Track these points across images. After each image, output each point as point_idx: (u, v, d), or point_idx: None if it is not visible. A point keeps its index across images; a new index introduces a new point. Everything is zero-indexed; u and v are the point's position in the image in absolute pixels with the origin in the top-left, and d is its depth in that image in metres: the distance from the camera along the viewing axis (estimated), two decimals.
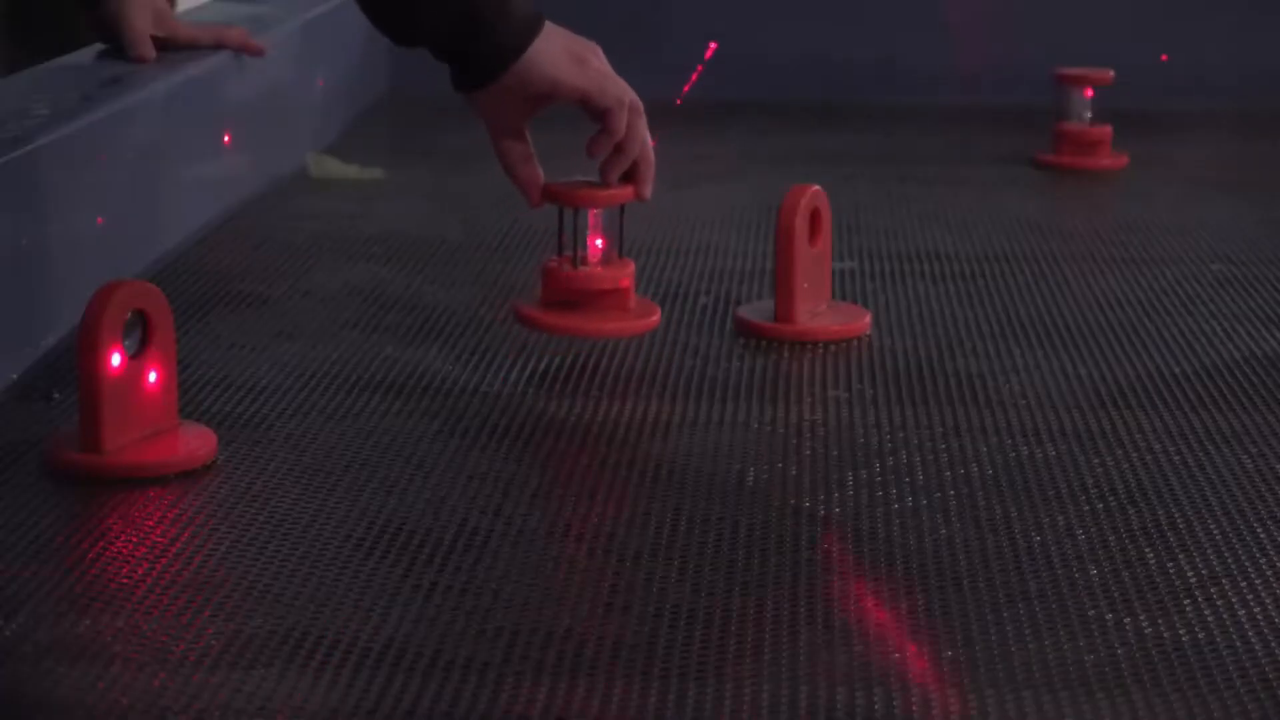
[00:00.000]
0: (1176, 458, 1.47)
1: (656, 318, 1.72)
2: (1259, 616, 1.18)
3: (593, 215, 1.68)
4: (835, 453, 1.48)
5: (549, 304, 1.69)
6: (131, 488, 1.39)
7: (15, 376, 1.63)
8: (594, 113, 1.63)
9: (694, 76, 3.11)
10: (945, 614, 1.19)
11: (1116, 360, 1.72)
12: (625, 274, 1.69)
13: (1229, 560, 1.27)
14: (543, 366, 1.69)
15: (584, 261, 1.68)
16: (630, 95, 1.63)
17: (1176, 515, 1.35)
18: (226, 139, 2.29)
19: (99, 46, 2.21)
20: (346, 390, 1.63)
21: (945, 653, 1.13)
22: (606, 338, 1.71)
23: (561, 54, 1.60)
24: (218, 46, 2.28)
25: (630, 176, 1.66)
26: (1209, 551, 1.29)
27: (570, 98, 1.61)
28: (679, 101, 3.05)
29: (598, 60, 1.63)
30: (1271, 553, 1.29)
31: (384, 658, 1.12)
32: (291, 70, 2.53)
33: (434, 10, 1.56)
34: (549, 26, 1.61)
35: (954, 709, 1.06)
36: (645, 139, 1.65)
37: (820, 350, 1.74)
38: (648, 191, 1.67)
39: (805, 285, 1.77)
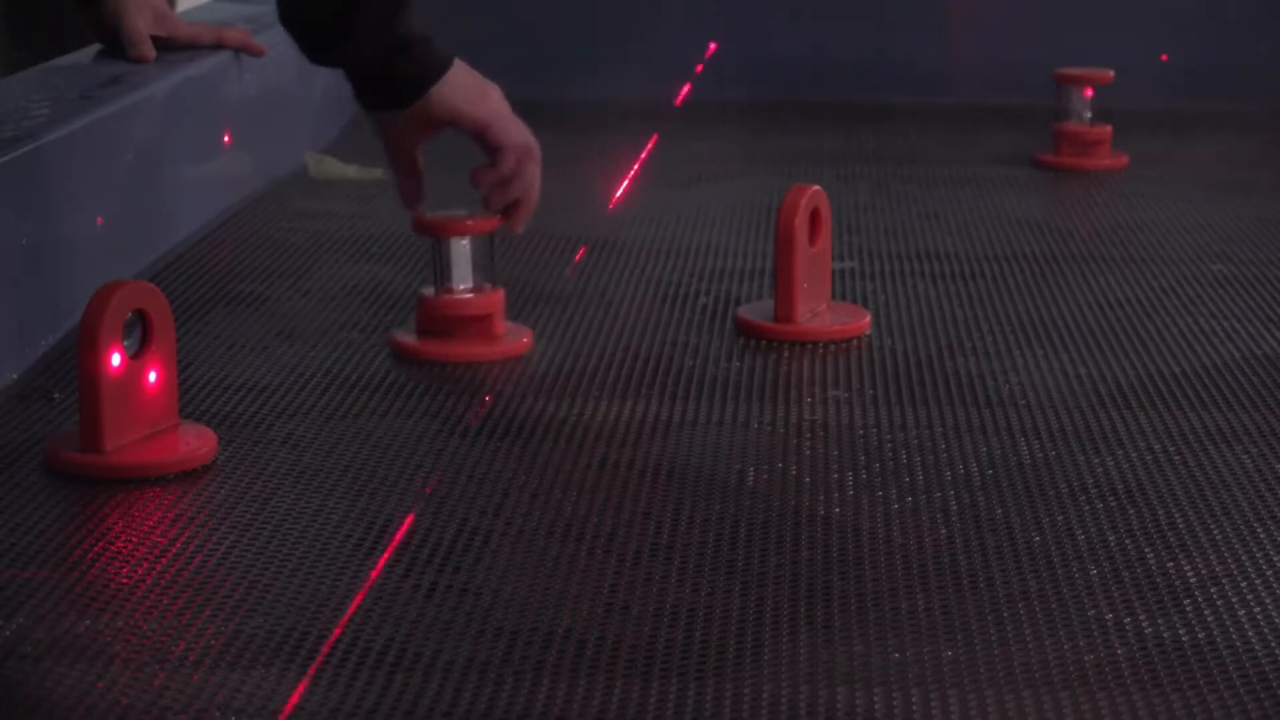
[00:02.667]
0: (1176, 458, 1.47)
1: (527, 340, 1.74)
2: (1259, 616, 1.18)
3: (464, 244, 1.72)
4: (835, 453, 1.48)
5: (422, 332, 1.73)
6: (131, 488, 1.39)
7: (15, 376, 1.63)
8: (488, 147, 1.70)
9: (693, 77, 3.12)
10: (945, 614, 1.19)
11: (1116, 360, 1.72)
12: (494, 302, 1.73)
13: (1229, 560, 1.27)
14: (544, 367, 1.69)
15: (453, 290, 1.72)
16: (526, 138, 1.71)
17: (1176, 515, 1.35)
18: (226, 139, 2.29)
19: (99, 46, 2.21)
20: (346, 390, 1.63)
21: (945, 653, 1.13)
22: (472, 362, 1.71)
23: (468, 88, 1.69)
24: (218, 46, 2.28)
25: (509, 211, 1.73)
26: (1209, 551, 1.29)
27: (470, 128, 1.69)
28: (678, 102, 3.06)
29: (498, 99, 1.71)
30: (1271, 553, 1.29)
31: (384, 658, 1.12)
32: (291, 70, 2.53)
33: (367, 38, 1.65)
34: (458, 63, 1.69)
35: (954, 709, 1.06)
36: (532, 182, 1.72)
37: (820, 350, 1.74)
38: (520, 227, 1.74)
39: (805, 285, 1.77)
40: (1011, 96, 3.05)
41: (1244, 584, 1.23)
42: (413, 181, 1.74)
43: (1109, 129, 2.64)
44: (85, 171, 1.82)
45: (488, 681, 1.09)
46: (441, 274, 1.72)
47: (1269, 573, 1.25)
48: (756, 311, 1.81)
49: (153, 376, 1.45)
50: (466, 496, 1.39)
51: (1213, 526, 1.33)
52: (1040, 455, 1.47)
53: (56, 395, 1.59)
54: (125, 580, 1.24)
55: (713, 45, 3.16)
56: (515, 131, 1.70)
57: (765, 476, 1.43)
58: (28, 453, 1.47)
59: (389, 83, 1.67)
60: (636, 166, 2.56)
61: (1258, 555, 1.28)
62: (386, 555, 1.28)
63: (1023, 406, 1.59)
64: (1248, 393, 1.63)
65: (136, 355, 1.44)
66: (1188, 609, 1.19)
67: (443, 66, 1.67)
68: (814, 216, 1.79)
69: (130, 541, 1.31)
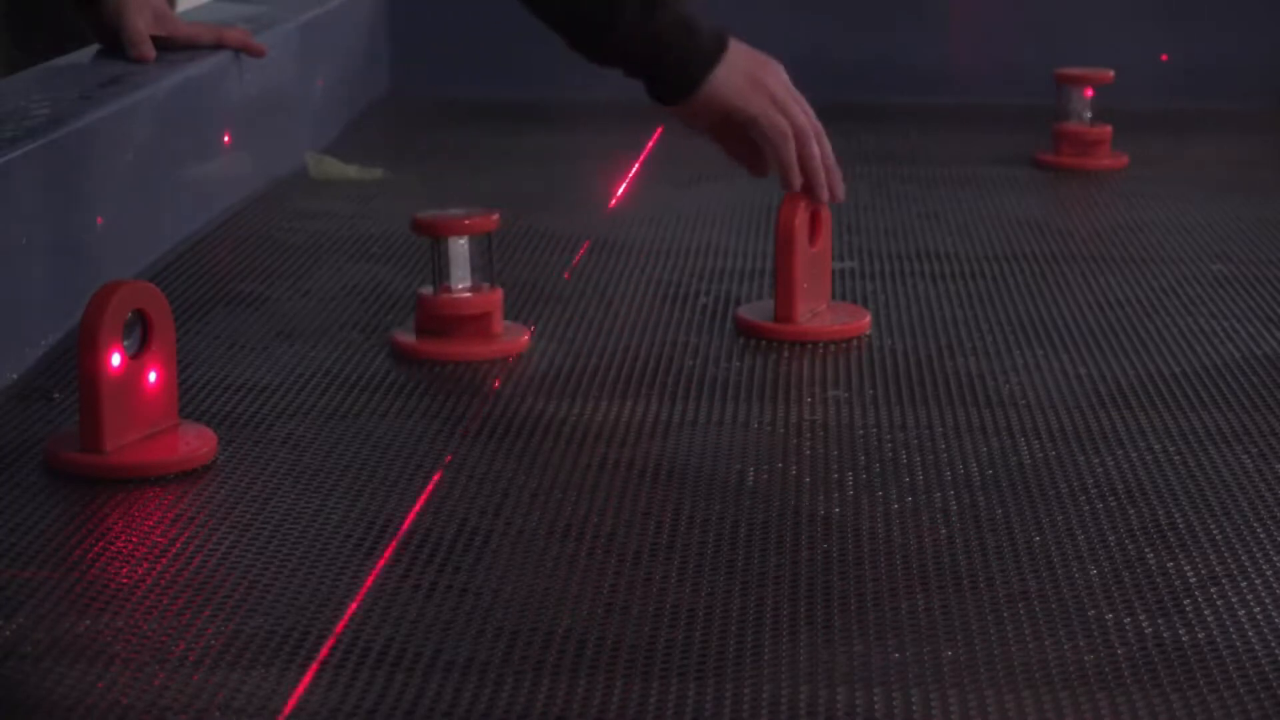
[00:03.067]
0: (1176, 458, 1.47)
1: (526, 340, 1.74)
2: (1259, 616, 1.18)
3: (461, 243, 1.72)
4: (835, 453, 1.48)
5: (421, 331, 1.73)
6: (131, 488, 1.39)
7: (15, 376, 1.63)
8: (759, 138, 1.71)
9: None
10: (945, 614, 1.19)
11: (1116, 360, 1.72)
12: (493, 301, 1.73)
13: (1229, 560, 1.27)
14: (544, 367, 1.69)
15: (451, 289, 1.72)
16: (797, 123, 1.71)
17: (1176, 515, 1.35)
18: (226, 139, 2.29)
19: (99, 46, 2.21)
20: (346, 390, 1.63)
21: (945, 653, 1.13)
22: (471, 361, 1.71)
23: (739, 80, 1.69)
24: (218, 46, 2.28)
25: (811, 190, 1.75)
26: (1209, 551, 1.29)
27: (741, 123, 1.70)
28: None
29: (773, 81, 1.71)
30: (1271, 553, 1.29)
31: (384, 658, 1.12)
32: (291, 70, 2.53)
33: (624, 36, 1.65)
34: (731, 49, 1.69)
35: (954, 709, 1.06)
36: (814, 163, 1.73)
37: (820, 350, 1.74)
38: (837, 197, 1.76)
39: (805, 285, 1.77)
40: (1011, 96, 3.05)
41: (1244, 584, 1.23)
42: (742, 163, 1.75)
43: (1109, 129, 2.64)
44: (85, 171, 1.82)
45: (488, 681, 1.09)
46: (440, 273, 1.72)
47: (1269, 573, 1.25)
48: (756, 311, 1.81)
49: (153, 376, 1.45)
50: (466, 496, 1.39)
51: (1213, 526, 1.33)
52: (1040, 455, 1.47)
53: (56, 395, 1.59)
54: (125, 580, 1.24)
55: None
56: (779, 125, 1.69)
57: (765, 476, 1.43)
58: (28, 453, 1.47)
59: (657, 80, 1.67)
60: (636, 166, 2.56)
61: (1258, 555, 1.28)
62: (386, 555, 1.28)
63: (1023, 406, 1.59)
64: (1248, 393, 1.63)
65: (136, 355, 1.44)
66: (1188, 609, 1.19)
67: (709, 61, 1.66)
68: (814, 217, 1.79)
69: (130, 541, 1.31)
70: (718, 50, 1.67)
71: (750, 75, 1.68)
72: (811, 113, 1.74)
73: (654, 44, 1.64)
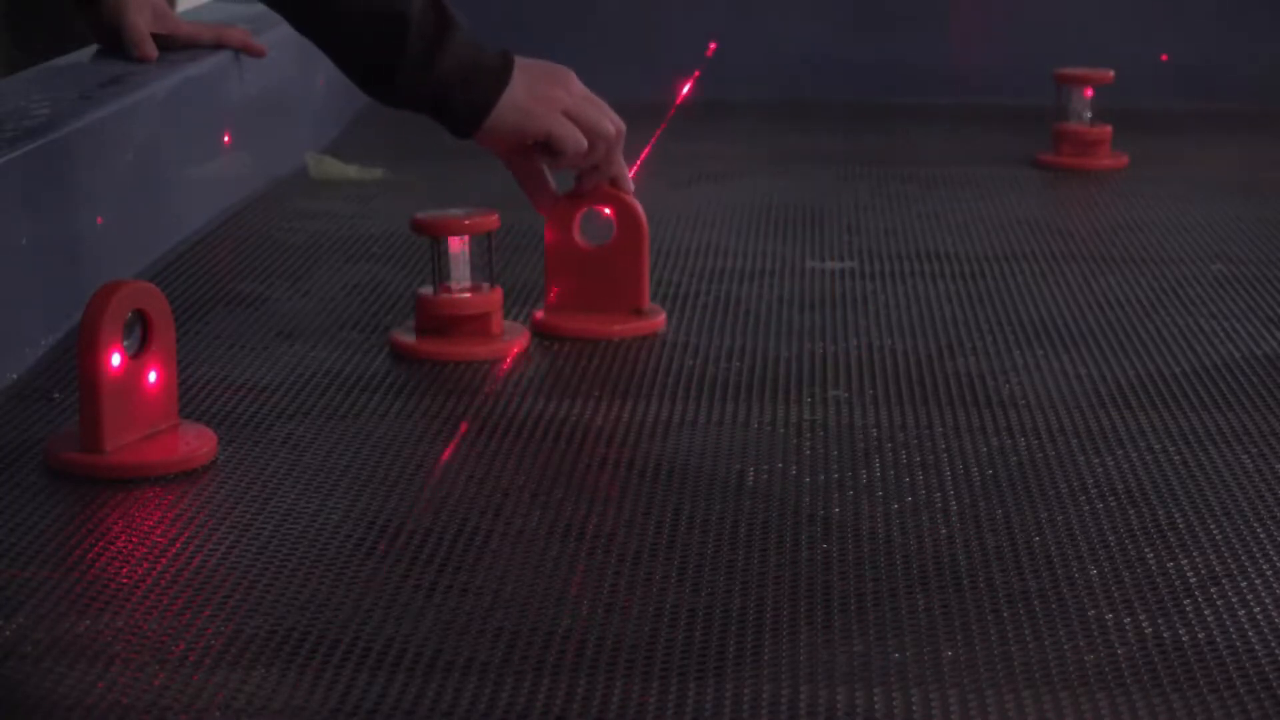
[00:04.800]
0: (1176, 458, 1.47)
1: (524, 340, 1.74)
2: (1259, 616, 1.18)
3: (461, 243, 1.72)
4: (835, 453, 1.48)
5: (421, 331, 1.73)
6: (131, 488, 1.40)
7: (15, 376, 1.63)
8: (558, 150, 1.71)
9: (694, 77, 3.12)
10: (945, 614, 1.19)
11: (1116, 360, 1.72)
12: (492, 301, 1.73)
13: (1229, 560, 1.27)
14: (543, 366, 1.69)
15: (451, 289, 1.73)
16: (595, 129, 1.70)
17: (1176, 515, 1.35)
18: (226, 139, 2.29)
19: (99, 46, 2.21)
20: (346, 390, 1.63)
21: (945, 653, 1.13)
22: (471, 361, 1.71)
23: (525, 101, 1.68)
24: (218, 46, 2.28)
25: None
26: (1209, 551, 1.29)
27: (538, 141, 1.70)
28: (679, 102, 3.06)
29: (561, 93, 1.70)
30: (1271, 553, 1.29)
31: (384, 658, 1.12)
32: (291, 70, 2.53)
33: (404, 84, 1.65)
34: (517, 73, 1.68)
35: (954, 709, 1.06)
36: (612, 168, 1.74)
37: (820, 351, 1.74)
38: (627, 194, 1.77)
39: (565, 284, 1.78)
40: (1011, 96, 3.05)
41: (1244, 584, 1.23)
42: (531, 184, 1.76)
43: (1109, 129, 2.64)
44: (85, 171, 1.82)
45: (488, 681, 1.09)
46: (440, 273, 1.72)
47: (1269, 573, 1.25)
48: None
49: (153, 376, 1.45)
50: (466, 496, 1.39)
51: (1213, 526, 1.33)
52: (1040, 455, 1.47)
53: (56, 395, 1.59)
54: (125, 580, 1.24)
55: (713, 45, 3.16)
56: (572, 137, 1.69)
57: (765, 476, 1.43)
58: (28, 453, 1.47)
59: (445, 119, 1.68)
60: (636, 166, 2.56)
61: (1258, 555, 1.28)
62: (386, 555, 1.28)
63: (1023, 406, 1.59)
64: (1248, 393, 1.63)
65: (136, 355, 1.44)
66: (1188, 609, 1.19)
67: (493, 92, 1.66)
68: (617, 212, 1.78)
69: (130, 541, 1.31)
70: (502, 78, 1.67)
71: (537, 94, 1.68)
72: (611, 113, 1.72)
73: (437, 87, 1.65)
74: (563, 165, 1.73)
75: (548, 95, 1.69)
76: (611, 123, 1.72)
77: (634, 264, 1.79)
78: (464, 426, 1.54)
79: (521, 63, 1.69)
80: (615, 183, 1.76)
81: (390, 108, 1.69)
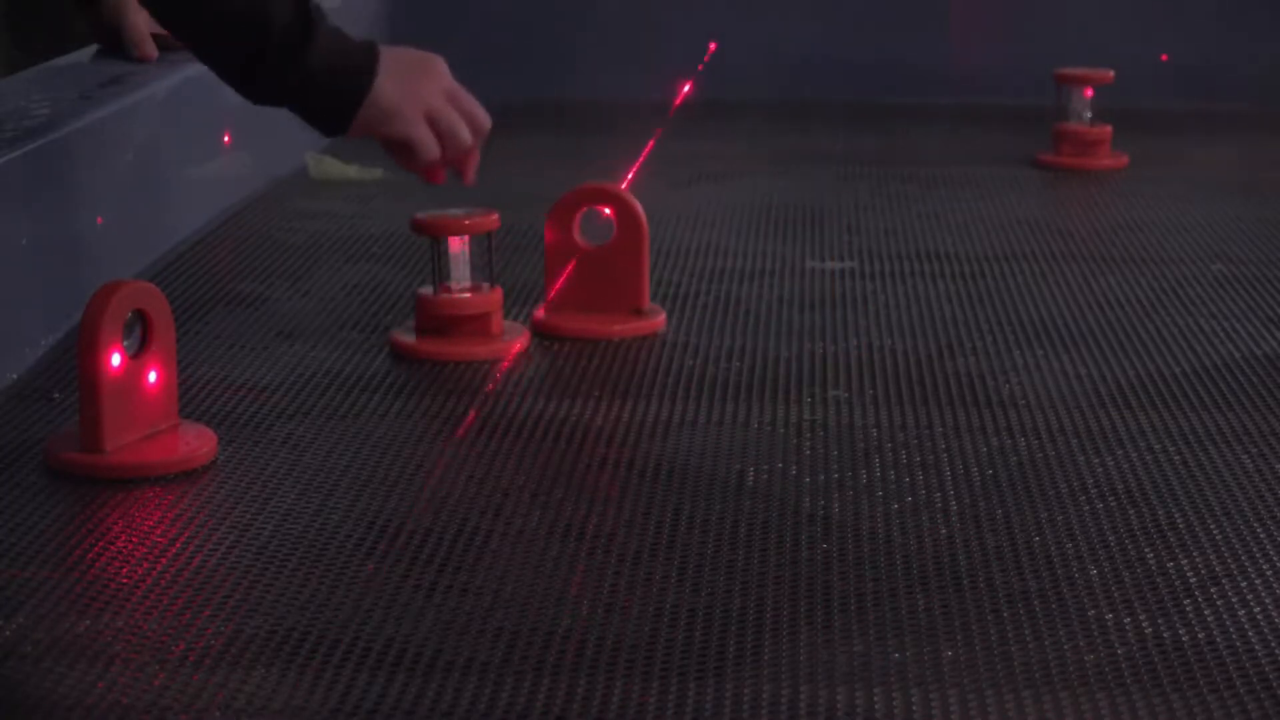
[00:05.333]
0: (1176, 458, 1.47)
1: (524, 340, 1.74)
2: (1259, 616, 1.18)
3: (461, 243, 1.72)
4: (835, 453, 1.48)
5: (421, 331, 1.73)
6: (131, 488, 1.39)
7: (15, 376, 1.63)
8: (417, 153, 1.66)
9: (694, 77, 3.11)
10: (945, 614, 1.19)
11: (1116, 360, 1.72)
12: (492, 301, 1.73)
13: (1229, 560, 1.27)
14: (543, 366, 1.69)
15: (451, 289, 1.73)
16: (452, 131, 1.64)
17: (1176, 515, 1.35)
18: (226, 139, 2.29)
19: (99, 46, 2.21)
20: (346, 390, 1.63)
21: (945, 653, 1.13)
22: (471, 361, 1.71)
23: (390, 101, 1.62)
24: None
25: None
26: (1209, 551, 1.29)
27: (399, 143, 1.65)
28: (678, 102, 3.05)
29: (427, 90, 1.64)
30: (1271, 553, 1.29)
31: (384, 658, 1.12)
32: None
33: (264, 87, 1.62)
34: (382, 68, 1.62)
35: (954, 709, 1.06)
36: (466, 158, 1.67)
37: (820, 351, 1.74)
38: (470, 179, 1.70)
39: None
40: (1011, 96, 3.05)
41: (1244, 584, 1.23)
42: (416, 171, 1.70)
43: (1109, 129, 2.64)
44: (85, 171, 1.82)
45: (488, 681, 1.09)
46: (440, 273, 1.72)
47: (1269, 573, 1.25)
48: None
49: (153, 376, 1.45)
50: (466, 496, 1.39)
51: (1213, 526, 1.33)
52: (1040, 455, 1.47)
53: (56, 395, 1.59)
54: (125, 580, 1.24)
55: (713, 45, 3.16)
56: (428, 144, 1.63)
57: (765, 476, 1.43)
58: (28, 453, 1.47)
59: (310, 118, 1.64)
60: (636, 166, 2.56)
61: (1258, 555, 1.28)
62: (387, 555, 1.28)
63: (1023, 406, 1.59)
64: (1248, 393, 1.63)
65: (136, 355, 1.44)
66: (1188, 609, 1.19)
67: (357, 93, 1.61)
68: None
69: (130, 541, 1.31)
70: (366, 77, 1.62)
71: (403, 92, 1.63)
72: (475, 109, 1.67)
73: (299, 92, 1.61)
74: (414, 169, 1.69)
75: (413, 92, 1.64)
76: (473, 125, 1.66)
77: (634, 264, 1.79)
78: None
79: (388, 55, 1.63)
80: (461, 175, 1.70)
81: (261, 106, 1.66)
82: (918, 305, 1.90)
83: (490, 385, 1.64)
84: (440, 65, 1.67)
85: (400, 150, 1.65)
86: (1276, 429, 1.54)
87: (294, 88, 1.61)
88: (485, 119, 1.67)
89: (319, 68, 1.60)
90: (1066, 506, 1.37)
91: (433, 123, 1.64)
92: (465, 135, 1.65)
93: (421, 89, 1.65)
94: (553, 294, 1.80)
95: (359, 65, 1.62)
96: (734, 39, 3.16)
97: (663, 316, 1.81)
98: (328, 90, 1.61)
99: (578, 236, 1.79)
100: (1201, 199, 2.42)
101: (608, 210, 1.79)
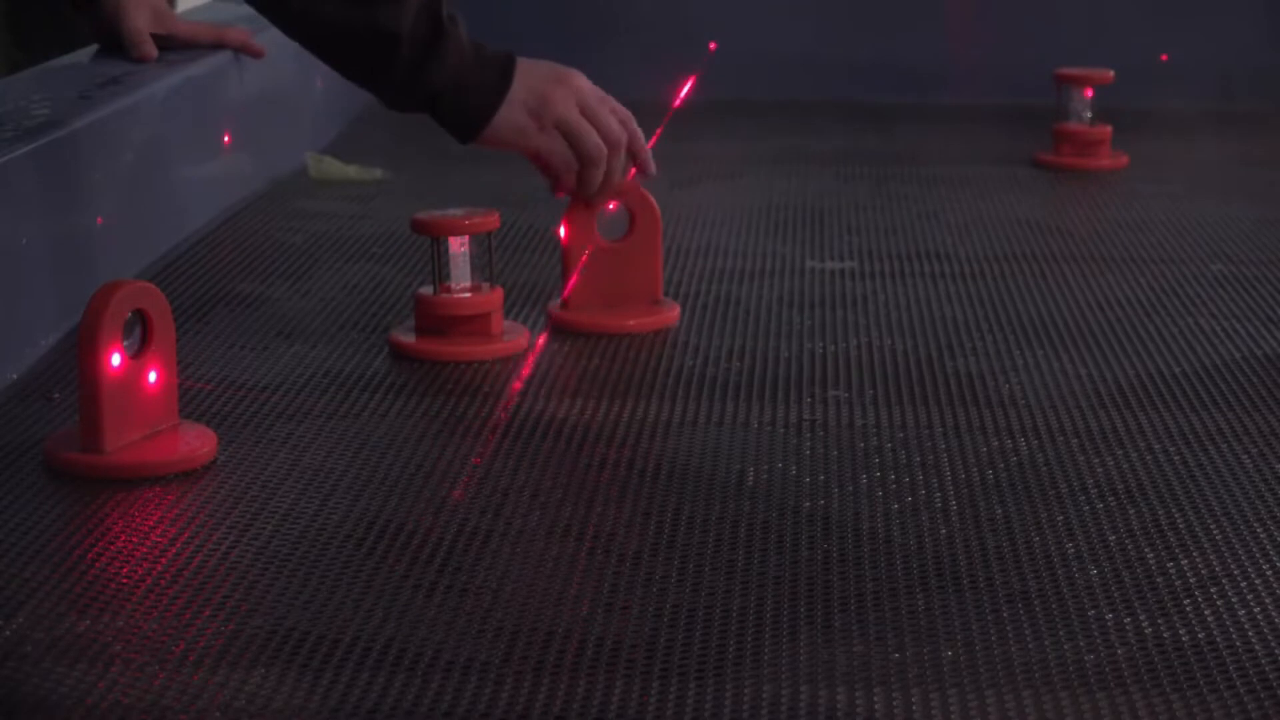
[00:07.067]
0: (1176, 458, 1.47)
1: (523, 340, 1.74)
2: (1259, 616, 1.18)
3: (461, 243, 1.72)
4: (835, 453, 1.48)
5: (421, 331, 1.73)
6: (131, 488, 1.39)
7: (15, 376, 1.63)
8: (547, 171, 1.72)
9: (694, 77, 3.11)
10: (945, 614, 1.19)
11: (1116, 360, 1.72)
12: (492, 301, 1.73)
13: (1229, 560, 1.27)
14: (543, 367, 1.69)
15: (451, 289, 1.73)
16: (586, 147, 1.69)
17: (1176, 515, 1.35)
18: (226, 139, 2.29)
19: (99, 46, 2.21)
20: (346, 390, 1.63)
21: (945, 653, 1.13)
22: (471, 361, 1.71)
23: (520, 117, 1.68)
24: (218, 46, 2.28)
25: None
26: (1209, 551, 1.29)
27: (531, 159, 1.71)
28: (678, 102, 3.05)
29: (561, 106, 1.68)
30: (1271, 553, 1.29)
31: (384, 658, 1.12)
32: (291, 70, 2.53)
33: (395, 97, 1.66)
34: (517, 81, 1.67)
35: (954, 709, 1.06)
36: (611, 181, 1.73)
37: (820, 351, 1.74)
38: (648, 174, 1.77)
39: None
40: (1011, 96, 3.05)
41: (1244, 584, 1.23)
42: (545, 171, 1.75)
43: (1109, 129, 2.64)
44: (85, 171, 1.82)
45: (488, 681, 1.09)
46: (440, 273, 1.72)
47: (1269, 573, 1.25)
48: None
49: (153, 376, 1.45)
50: (466, 496, 1.39)
51: (1213, 526, 1.33)
52: (1040, 455, 1.47)
53: (56, 395, 1.59)
54: (125, 580, 1.24)
55: (713, 45, 3.15)
56: (563, 159, 1.69)
57: (765, 476, 1.43)
58: (28, 453, 1.47)
59: (443, 125, 1.69)
60: (636, 167, 2.56)
61: (1258, 555, 1.28)
62: (386, 555, 1.28)
63: (1023, 406, 1.59)
64: (1248, 393, 1.63)
65: (136, 355, 1.44)
66: (1188, 609, 1.19)
67: (490, 104, 1.66)
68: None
69: (130, 541, 1.31)
70: (495, 96, 1.67)
71: (534, 109, 1.68)
72: (612, 121, 1.71)
73: (430, 99, 1.65)
74: (549, 179, 1.73)
75: (546, 108, 1.68)
76: (610, 133, 1.70)
77: (648, 257, 1.79)
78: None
79: (524, 69, 1.68)
80: (637, 165, 1.76)
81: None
82: (918, 305, 1.90)
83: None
84: (577, 79, 1.71)
85: (534, 162, 1.71)
86: (1276, 429, 1.54)
87: (422, 100, 1.65)
88: (625, 113, 1.72)
89: (446, 84, 1.64)
90: (1066, 506, 1.37)
91: (566, 134, 1.67)
92: (594, 142, 1.69)
93: (553, 102, 1.68)
94: (569, 290, 1.80)
95: (490, 83, 1.67)
96: (734, 39, 3.16)
97: (676, 309, 1.81)
98: (455, 106, 1.66)
99: (596, 231, 1.79)
100: (1201, 199, 2.42)
101: (611, 205, 1.79)
